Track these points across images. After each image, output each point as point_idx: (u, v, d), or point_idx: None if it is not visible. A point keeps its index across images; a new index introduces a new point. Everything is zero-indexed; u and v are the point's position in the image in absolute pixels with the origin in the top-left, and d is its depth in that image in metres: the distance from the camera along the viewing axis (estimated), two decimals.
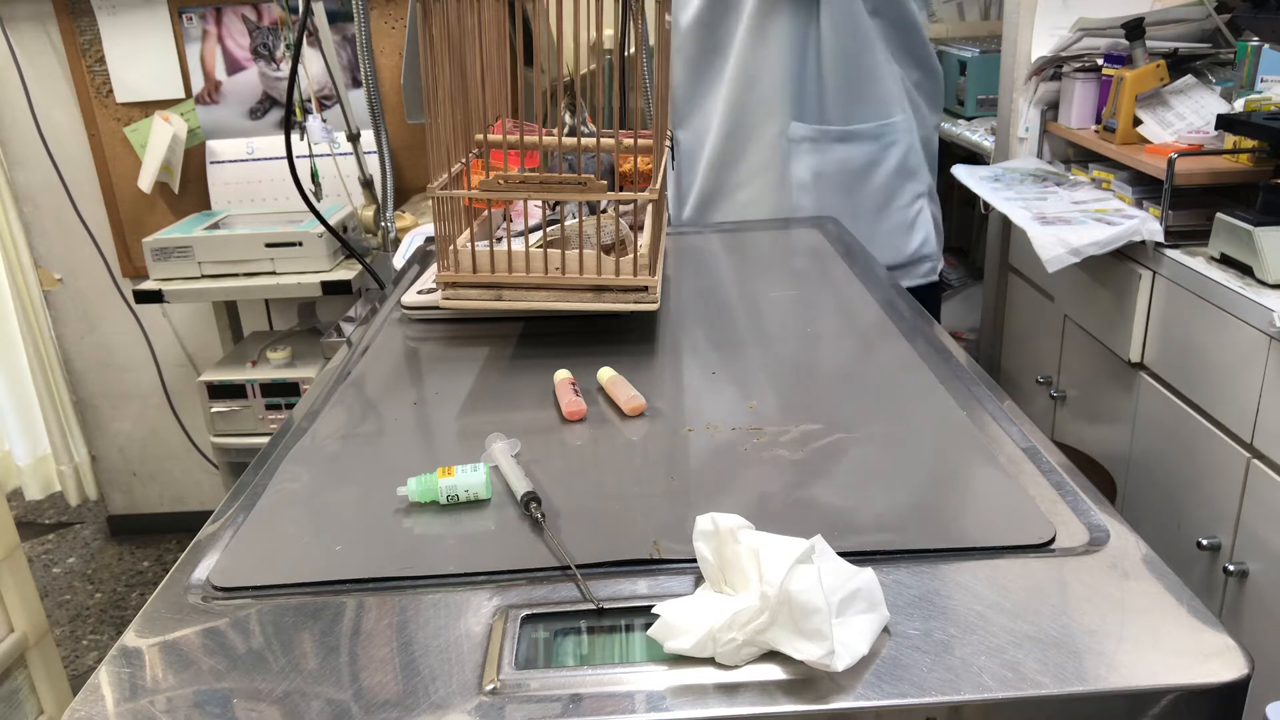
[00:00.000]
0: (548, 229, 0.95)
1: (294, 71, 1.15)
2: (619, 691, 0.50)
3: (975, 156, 2.46)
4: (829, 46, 1.47)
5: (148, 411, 2.83)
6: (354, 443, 0.78)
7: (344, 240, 1.33)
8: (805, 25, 1.45)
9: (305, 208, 1.24)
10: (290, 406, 2.19)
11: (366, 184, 2.39)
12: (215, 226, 2.28)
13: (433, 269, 1.07)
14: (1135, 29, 1.92)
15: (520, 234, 1.10)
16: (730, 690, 0.49)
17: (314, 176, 2.19)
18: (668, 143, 1.32)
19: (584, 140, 0.96)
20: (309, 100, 2.44)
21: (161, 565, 2.82)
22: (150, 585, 2.72)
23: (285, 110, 1.29)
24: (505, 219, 1.14)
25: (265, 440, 0.82)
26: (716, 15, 1.50)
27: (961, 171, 2.09)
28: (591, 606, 0.55)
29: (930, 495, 0.65)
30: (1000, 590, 0.55)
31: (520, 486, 0.66)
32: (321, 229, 2.15)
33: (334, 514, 0.67)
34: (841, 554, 0.55)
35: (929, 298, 1.67)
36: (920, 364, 0.86)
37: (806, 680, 0.49)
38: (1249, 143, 1.67)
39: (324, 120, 2.43)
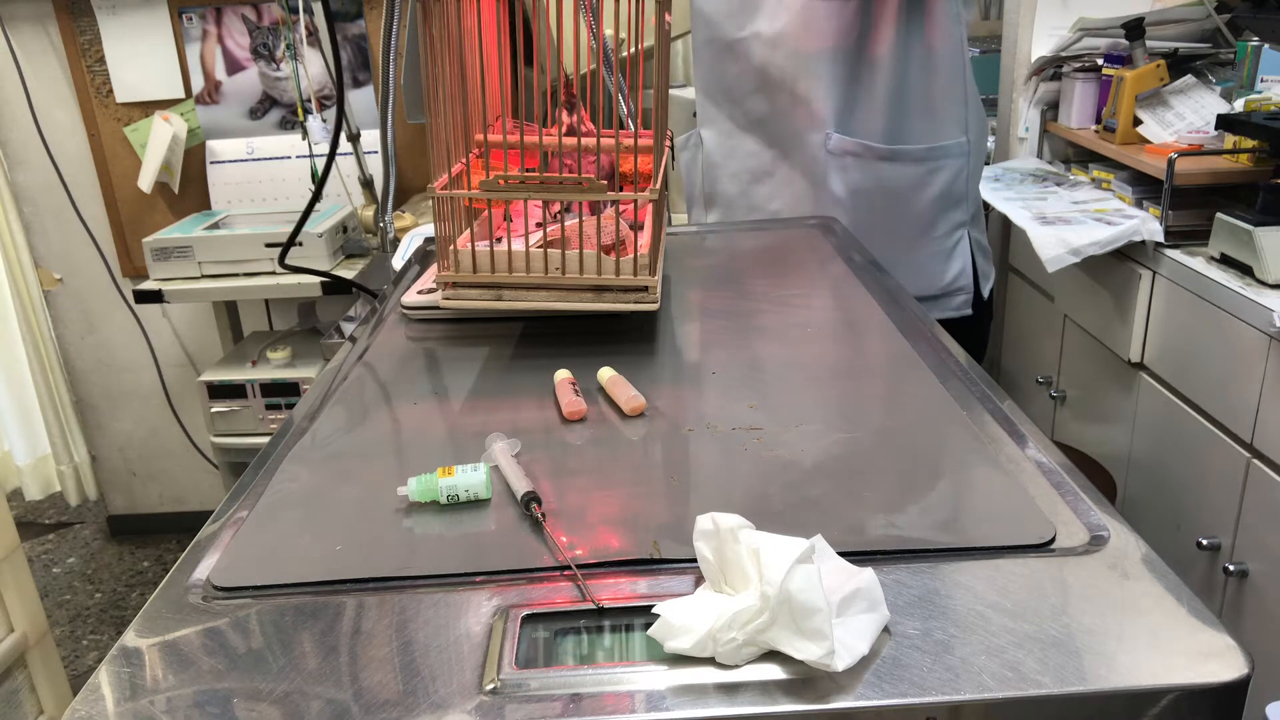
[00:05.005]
0: (548, 229, 0.95)
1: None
2: (619, 691, 0.50)
3: None
4: (919, 65, 1.37)
5: (148, 411, 2.83)
6: (354, 443, 0.78)
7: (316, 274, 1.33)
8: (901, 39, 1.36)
9: (305, 207, 1.23)
10: (290, 406, 2.18)
11: (366, 184, 2.39)
12: (215, 226, 2.28)
13: (433, 269, 1.07)
14: (1135, 29, 1.92)
15: (521, 235, 1.10)
16: (730, 690, 0.49)
17: (314, 176, 2.19)
18: (667, 143, 1.32)
19: (584, 140, 0.96)
20: (309, 100, 2.44)
21: (161, 565, 2.82)
22: (150, 585, 2.72)
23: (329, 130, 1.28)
24: (505, 219, 1.14)
25: (265, 440, 0.82)
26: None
27: None
28: (591, 606, 0.55)
29: (930, 495, 0.65)
30: (1000, 590, 0.55)
31: (520, 486, 0.66)
32: (322, 230, 2.15)
33: (334, 514, 0.67)
34: (841, 554, 0.55)
35: (971, 332, 1.52)
36: (920, 364, 0.86)
37: (806, 680, 0.49)
38: (1249, 143, 1.67)
39: (324, 120, 2.43)
